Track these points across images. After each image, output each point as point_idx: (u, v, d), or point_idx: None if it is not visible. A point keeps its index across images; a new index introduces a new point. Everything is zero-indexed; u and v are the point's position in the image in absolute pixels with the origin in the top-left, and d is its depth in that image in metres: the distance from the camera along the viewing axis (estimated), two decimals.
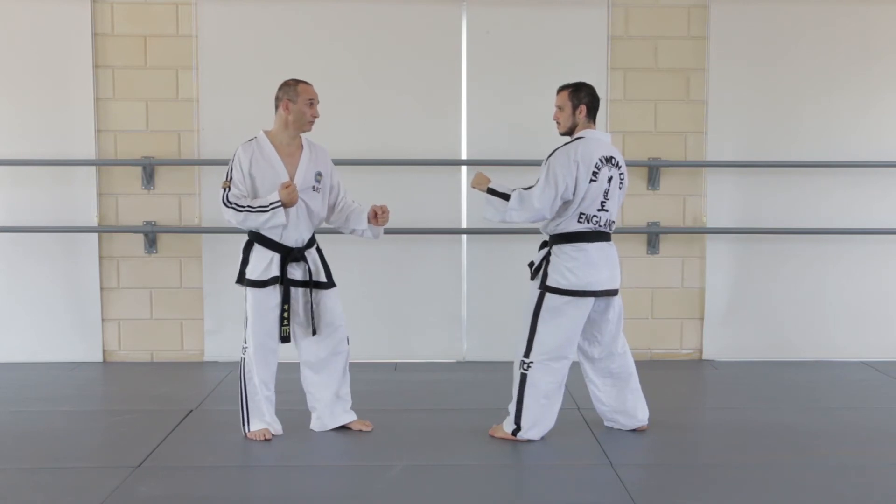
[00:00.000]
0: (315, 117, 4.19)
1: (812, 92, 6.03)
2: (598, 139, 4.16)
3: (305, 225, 4.22)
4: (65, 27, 5.86)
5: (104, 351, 6.04)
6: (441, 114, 5.98)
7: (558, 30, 5.96)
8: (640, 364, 5.76)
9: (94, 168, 5.93)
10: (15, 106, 5.89)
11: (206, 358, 6.03)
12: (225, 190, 4.08)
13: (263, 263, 4.13)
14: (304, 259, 4.23)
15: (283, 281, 4.16)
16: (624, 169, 4.19)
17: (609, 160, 4.10)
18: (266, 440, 4.20)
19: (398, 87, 5.95)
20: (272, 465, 3.92)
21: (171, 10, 5.89)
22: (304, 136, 4.27)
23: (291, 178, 4.12)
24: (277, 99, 4.19)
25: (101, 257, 5.98)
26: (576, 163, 4.03)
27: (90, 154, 5.92)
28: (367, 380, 5.35)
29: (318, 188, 4.24)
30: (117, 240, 5.99)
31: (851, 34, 6.01)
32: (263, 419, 4.25)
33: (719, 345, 6.13)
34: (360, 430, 4.38)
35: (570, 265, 4.08)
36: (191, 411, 4.78)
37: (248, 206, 4.03)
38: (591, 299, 4.12)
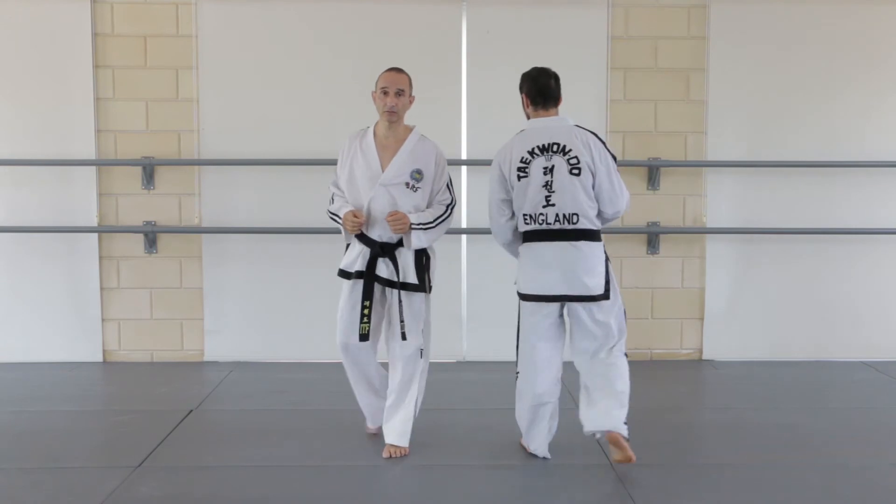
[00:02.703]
0: (390, 106, 4.00)
1: (812, 92, 6.03)
2: (541, 128, 3.86)
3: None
4: (65, 27, 5.87)
5: (104, 351, 6.04)
6: (441, 114, 5.98)
7: (558, 30, 5.96)
8: (640, 364, 5.78)
9: (94, 168, 5.93)
10: (15, 106, 5.90)
11: (206, 358, 6.03)
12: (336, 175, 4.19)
13: (353, 255, 4.09)
14: (394, 257, 4.03)
15: (368, 277, 4.02)
16: (579, 152, 3.76)
17: (547, 148, 3.78)
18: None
19: None
20: (272, 465, 3.91)
21: (171, 10, 5.89)
22: (418, 131, 4.14)
23: (382, 167, 4.03)
24: None
25: (101, 257, 5.98)
26: (499, 165, 3.88)
27: (90, 154, 5.92)
28: None
29: (413, 185, 4.01)
30: (117, 240, 5.99)
31: (852, 34, 6.01)
32: (369, 418, 4.33)
33: (719, 345, 6.13)
34: (390, 455, 4.05)
35: (521, 266, 3.91)
36: (191, 411, 4.78)
37: (329, 211, 4.17)
38: (549, 304, 3.83)
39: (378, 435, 4.24)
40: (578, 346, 3.91)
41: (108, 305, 6.02)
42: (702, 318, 6.12)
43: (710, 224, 6.07)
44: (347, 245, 4.17)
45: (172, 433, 4.37)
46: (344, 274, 4.11)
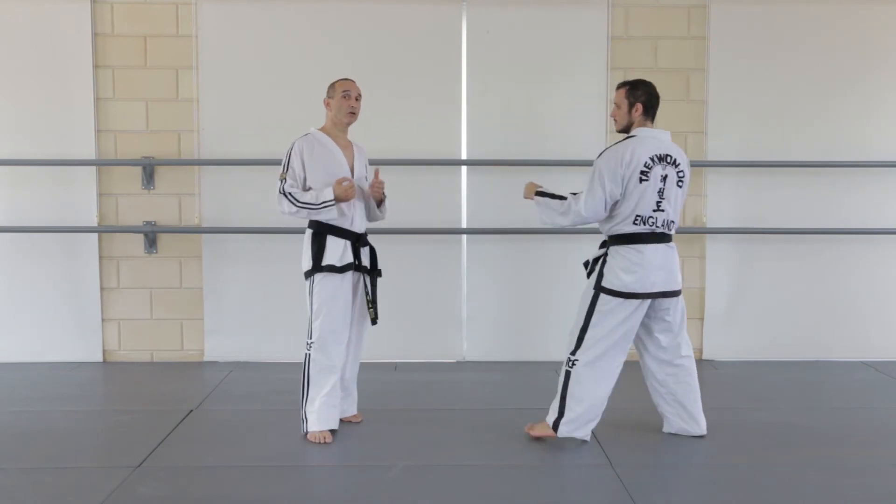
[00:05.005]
0: (352, 108, 4.30)
1: (812, 92, 6.03)
2: (652, 137, 4.09)
3: (365, 212, 4.39)
4: (65, 27, 5.87)
5: (104, 351, 6.04)
6: (441, 114, 5.98)
7: (558, 30, 5.96)
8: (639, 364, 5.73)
9: (94, 168, 5.94)
10: (15, 106, 5.90)
11: (206, 358, 6.04)
12: (282, 181, 4.19)
13: (339, 250, 4.23)
14: (369, 245, 4.39)
15: (359, 266, 4.30)
16: (684, 167, 4.12)
17: (663, 158, 4.03)
18: (325, 442, 4.19)
19: (398, 87, 5.96)
20: (272, 465, 3.91)
21: (171, 10, 5.90)
22: (349, 138, 4.43)
23: (351, 168, 4.29)
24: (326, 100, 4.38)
25: (101, 257, 5.98)
26: (623, 163, 4.00)
27: (90, 154, 5.92)
28: (367, 380, 5.34)
29: (366, 177, 4.44)
30: (117, 240, 5.99)
31: (852, 34, 6.02)
32: (325, 419, 4.25)
33: (719, 345, 6.13)
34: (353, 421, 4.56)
35: (624, 266, 4.05)
36: (191, 411, 4.78)
37: (304, 203, 4.15)
38: (646, 301, 4.08)
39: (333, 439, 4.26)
40: (659, 342, 4.23)
41: (108, 305, 6.02)
42: (702, 318, 6.12)
43: (710, 224, 6.07)
44: (319, 243, 4.23)
45: (172, 433, 4.37)
46: (334, 269, 4.21)
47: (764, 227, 6.06)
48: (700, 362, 6.05)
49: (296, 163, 4.21)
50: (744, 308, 6.11)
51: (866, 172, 6.05)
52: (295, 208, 4.16)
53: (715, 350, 6.13)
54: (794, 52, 6.02)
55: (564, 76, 5.99)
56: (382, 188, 4.39)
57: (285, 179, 4.19)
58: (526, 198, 4.32)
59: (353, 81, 4.36)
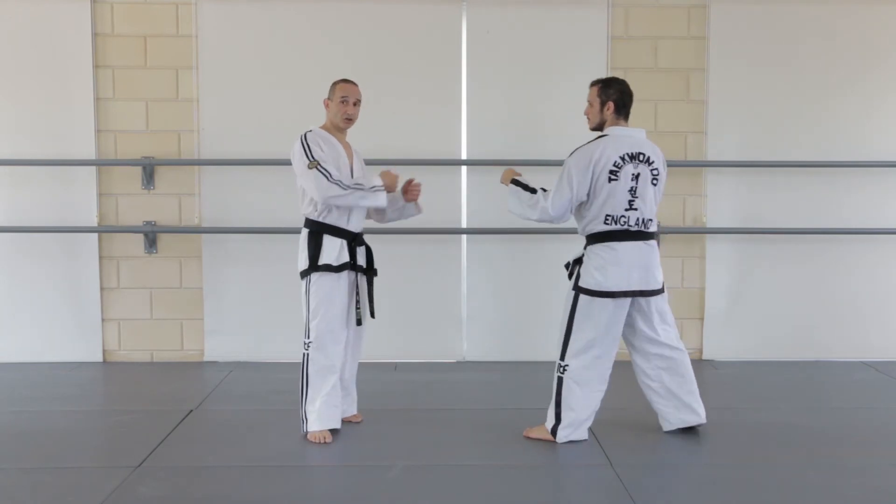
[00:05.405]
0: (348, 115, 4.27)
1: (812, 92, 6.03)
2: (625, 136, 4.09)
3: (364, 211, 4.39)
4: (65, 27, 5.87)
5: (104, 351, 6.04)
6: (441, 114, 5.98)
7: (558, 30, 5.96)
8: None
9: (94, 168, 5.94)
10: (15, 106, 5.90)
11: (206, 358, 6.04)
12: (319, 170, 4.08)
13: (336, 250, 4.23)
14: (365, 244, 4.38)
15: (355, 266, 4.29)
16: (659, 164, 4.11)
17: (635, 157, 4.03)
18: (325, 442, 4.18)
19: (398, 87, 5.95)
20: (272, 465, 3.91)
21: (171, 10, 5.90)
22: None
23: (350, 169, 4.27)
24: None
25: (101, 257, 5.98)
26: (592, 162, 4.01)
27: (90, 154, 5.92)
28: (367, 380, 5.34)
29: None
30: (117, 240, 5.99)
31: (852, 35, 6.02)
32: (326, 419, 4.23)
33: (719, 345, 6.13)
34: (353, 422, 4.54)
35: (598, 264, 4.05)
36: (191, 411, 4.78)
37: (356, 185, 4.14)
38: (626, 299, 4.08)
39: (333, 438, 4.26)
40: (645, 335, 4.20)
41: (108, 305, 6.02)
42: (702, 318, 6.12)
43: (710, 224, 6.07)
44: (315, 242, 4.23)
45: (172, 433, 4.37)
46: (330, 268, 4.21)
47: (764, 227, 6.06)
48: (700, 362, 6.05)
49: (317, 150, 4.14)
50: (744, 308, 6.11)
51: (866, 172, 6.05)
52: (344, 191, 4.09)
53: (715, 350, 6.13)
54: (794, 52, 6.02)
55: (564, 76, 5.99)
56: (419, 190, 4.49)
57: (321, 167, 4.07)
58: (501, 182, 4.32)
59: (354, 85, 4.30)
